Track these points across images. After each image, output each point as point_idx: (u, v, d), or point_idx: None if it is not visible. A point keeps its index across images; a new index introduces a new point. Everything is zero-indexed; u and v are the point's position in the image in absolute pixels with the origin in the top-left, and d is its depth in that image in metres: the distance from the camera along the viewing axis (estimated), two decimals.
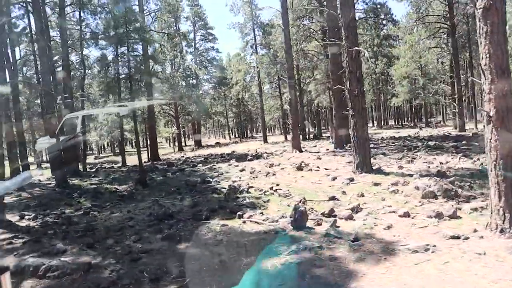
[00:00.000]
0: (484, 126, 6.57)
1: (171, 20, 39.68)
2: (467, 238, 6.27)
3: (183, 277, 5.77)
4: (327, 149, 22.44)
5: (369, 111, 68.55)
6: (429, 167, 13.53)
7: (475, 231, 6.59)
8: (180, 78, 42.64)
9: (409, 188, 10.07)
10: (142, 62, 22.81)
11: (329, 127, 32.81)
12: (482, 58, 6.23)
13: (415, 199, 9.19)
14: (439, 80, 45.95)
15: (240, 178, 14.95)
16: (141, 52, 29.35)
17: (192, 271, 5.95)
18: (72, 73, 26.47)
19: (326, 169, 15.17)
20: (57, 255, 7.20)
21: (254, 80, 45.43)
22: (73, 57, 29.02)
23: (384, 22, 36.70)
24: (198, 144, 52.57)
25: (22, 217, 12.11)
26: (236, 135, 73.44)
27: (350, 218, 8.05)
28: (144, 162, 30.85)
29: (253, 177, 14.84)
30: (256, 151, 26.52)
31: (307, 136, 40.15)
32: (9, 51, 22.06)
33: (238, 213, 9.12)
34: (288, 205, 9.75)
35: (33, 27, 24.46)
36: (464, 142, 20.95)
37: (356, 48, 12.45)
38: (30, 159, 38.34)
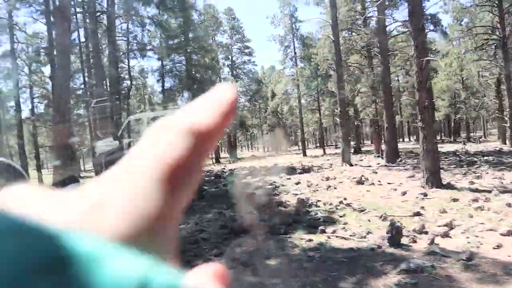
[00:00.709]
0: None
1: (213, 33, 40.06)
2: None
3: None
4: (378, 163, 21.87)
5: (404, 125, 67.27)
6: (502, 182, 12.89)
7: None
8: None
9: (495, 204, 9.54)
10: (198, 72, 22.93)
11: (373, 141, 32.14)
12: None
13: (509, 217, 8.64)
14: (482, 94, 44.54)
15: (299, 191, 14.60)
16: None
17: None
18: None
19: (389, 183, 14.66)
20: None
21: (294, 93, 45.18)
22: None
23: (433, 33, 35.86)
24: (234, 157, 52.50)
25: None
26: (270, 149, 73.11)
27: (446, 235, 7.59)
28: None
29: (313, 191, 14.46)
30: (302, 165, 26.15)
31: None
32: None
33: (320, 227, 8.76)
34: (368, 220, 9.36)
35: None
36: None
37: (428, 58, 12.03)
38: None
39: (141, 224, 0.21)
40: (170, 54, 20.45)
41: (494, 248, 6.69)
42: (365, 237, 7.94)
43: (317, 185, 15.79)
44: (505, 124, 30.34)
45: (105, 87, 21.35)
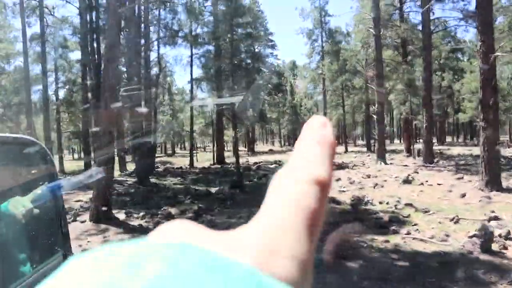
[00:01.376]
0: None
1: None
2: None
3: None
4: (414, 163, 21.19)
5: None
6: None
7: None
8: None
9: None
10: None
11: (403, 139, 31.36)
12: None
13: None
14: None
15: (343, 188, 14.05)
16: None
17: None
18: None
19: (439, 184, 14.03)
20: None
21: (318, 88, 44.45)
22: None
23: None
24: (251, 150, 52.02)
25: (128, 215, 11.70)
26: (287, 143, 72.53)
27: None
28: (210, 164, 30.53)
29: (359, 188, 13.91)
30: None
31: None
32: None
33: (391, 228, 8.23)
34: (439, 222, 8.79)
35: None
36: None
37: (496, 54, 11.36)
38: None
39: (303, 269, 0.23)
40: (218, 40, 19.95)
41: None
42: (446, 240, 7.39)
43: (360, 182, 15.22)
44: None
45: (136, 76, 20.94)
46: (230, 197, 13.74)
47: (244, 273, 0.18)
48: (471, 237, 7.18)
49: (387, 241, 7.48)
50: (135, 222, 10.94)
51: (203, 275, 0.16)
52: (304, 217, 0.25)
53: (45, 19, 27.27)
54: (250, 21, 23.71)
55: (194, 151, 32.84)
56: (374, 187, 13.96)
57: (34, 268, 1.71)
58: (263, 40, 32.63)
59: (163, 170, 26.56)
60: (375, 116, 22.65)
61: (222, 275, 0.17)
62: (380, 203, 11.08)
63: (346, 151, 39.22)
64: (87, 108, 23.65)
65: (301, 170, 0.28)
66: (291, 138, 67.95)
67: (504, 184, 13.06)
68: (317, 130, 0.30)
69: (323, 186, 0.27)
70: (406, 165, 20.44)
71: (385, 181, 15.31)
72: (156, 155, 63.85)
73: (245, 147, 59.70)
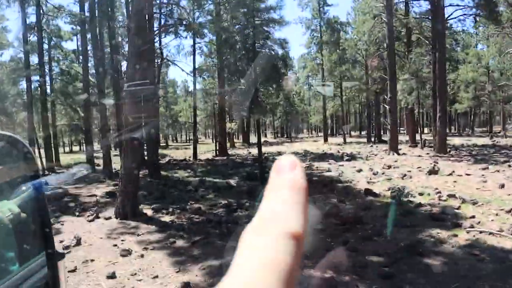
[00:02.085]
0: None
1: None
2: None
3: None
4: (427, 153, 20.99)
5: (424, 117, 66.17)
6: None
7: None
8: None
9: None
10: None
11: (406, 130, 31.23)
12: None
13: None
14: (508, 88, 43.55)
15: (371, 179, 13.69)
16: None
17: None
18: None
19: (467, 174, 13.78)
20: None
21: (316, 78, 44.04)
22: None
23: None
24: (247, 142, 51.51)
25: (156, 211, 11.14)
26: (280, 135, 72.20)
27: None
28: (213, 156, 29.92)
29: (387, 179, 13.57)
30: (338, 151, 25.27)
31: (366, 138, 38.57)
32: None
33: (451, 221, 7.88)
34: (496, 214, 8.46)
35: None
36: None
37: None
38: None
39: None
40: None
41: None
42: None
43: (384, 173, 14.89)
44: None
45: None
46: (252, 190, 13.26)
47: None
48: None
49: (455, 235, 7.11)
50: (165, 218, 10.40)
51: None
52: (279, 277, 0.24)
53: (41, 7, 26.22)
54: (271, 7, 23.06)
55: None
56: (402, 178, 13.64)
57: (19, 267, 1.76)
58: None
59: (167, 162, 25.93)
60: (387, 106, 22.33)
61: None
62: (420, 194, 10.73)
63: (345, 142, 39.04)
64: (87, 100, 22.90)
65: (272, 224, 0.27)
66: (284, 129, 67.70)
67: None
68: (287, 174, 0.29)
69: (297, 239, 0.26)
70: (420, 156, 20.22)
71: (410, 171, 15.01)
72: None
73: (238, 139, 59.20)
